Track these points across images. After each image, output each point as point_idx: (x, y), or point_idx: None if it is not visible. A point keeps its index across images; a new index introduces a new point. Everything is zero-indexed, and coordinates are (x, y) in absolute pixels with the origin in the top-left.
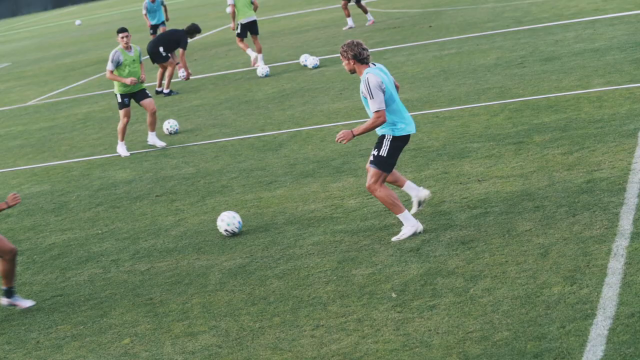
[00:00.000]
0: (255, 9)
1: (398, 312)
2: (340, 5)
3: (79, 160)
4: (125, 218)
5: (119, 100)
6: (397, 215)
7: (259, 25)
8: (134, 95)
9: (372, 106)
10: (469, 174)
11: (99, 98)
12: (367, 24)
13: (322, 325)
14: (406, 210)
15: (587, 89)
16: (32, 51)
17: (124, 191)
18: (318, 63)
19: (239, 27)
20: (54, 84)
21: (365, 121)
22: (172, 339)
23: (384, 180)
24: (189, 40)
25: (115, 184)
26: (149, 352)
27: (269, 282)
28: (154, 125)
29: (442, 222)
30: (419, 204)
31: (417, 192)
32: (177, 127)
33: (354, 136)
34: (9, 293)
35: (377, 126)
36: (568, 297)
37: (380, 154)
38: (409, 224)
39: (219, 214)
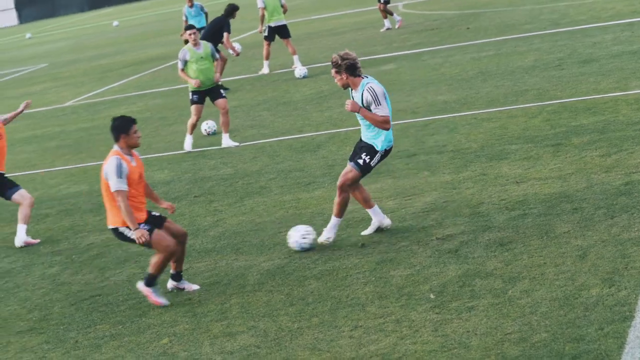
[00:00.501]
0: (284, 12)
1: (436, 313)
2: (377, 7)
3: None
4: None
5: (190, 96)
6: (333, 217)
7: (294, 27)
8: (208, 93)
9: (381, 112)
10: (507, 175)
11: (136, 99)
12: (396, 26)
13: (361, 326)
14: (340, 220)
15: (625, 91)
16: (69, 52)
17: (163, 191)
18: None
19: (267, 29)
20: (90, 85)
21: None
22: (211, 339)
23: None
24: (231, 20)
25: (154, 185)
26: (187, 352)
27: (308, 282)
28: (227, 126)
29: (481, 224)
30: (377, 229)
31: (381, 219)
32: (215, 127)
33: (357, 112)
34: (177, 277)
35: (379, 128)
36: (606, 299)
37: (369, 162)
38: (332, 232)
39: (257, 215)
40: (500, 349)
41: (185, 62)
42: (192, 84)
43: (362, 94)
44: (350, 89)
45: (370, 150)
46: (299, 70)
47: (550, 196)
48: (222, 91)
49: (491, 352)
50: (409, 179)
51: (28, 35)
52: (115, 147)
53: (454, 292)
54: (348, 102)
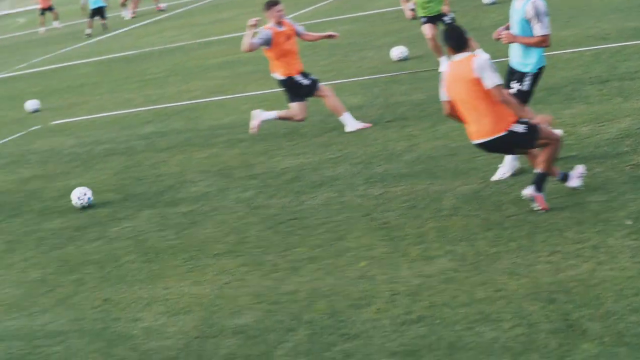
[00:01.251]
0: None
1: (634, 239)
2: None
3: None
4: (357, 143)
5: (420, 18)
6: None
7: None
8: (433, 18)
9: (539, 30)
10: None
11: (326, 26)
12: None
13: (558, 251)
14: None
15: None
16: None
17: (355, 116)
18: None
19: None
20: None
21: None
22: (409, 262)
23: None
24: None
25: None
26: (385, 275)
27: (504, 207)
28: None
29: None
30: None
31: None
32: (407, 53)
33: (513, 41)
34: (566, 176)
35: (538, 47)
36: None
37: (524, 89)
38: (508, 169)
39: (451, 140)
40: None
41: None
42: (405, 11)
43: (525, 6)
44: None
45: (520, 77)
46: None
47: None
48: (445, 18)
49: None
50: (602, 105)
51: None
52: (468, 53)
53: None
54: (503, 35)
